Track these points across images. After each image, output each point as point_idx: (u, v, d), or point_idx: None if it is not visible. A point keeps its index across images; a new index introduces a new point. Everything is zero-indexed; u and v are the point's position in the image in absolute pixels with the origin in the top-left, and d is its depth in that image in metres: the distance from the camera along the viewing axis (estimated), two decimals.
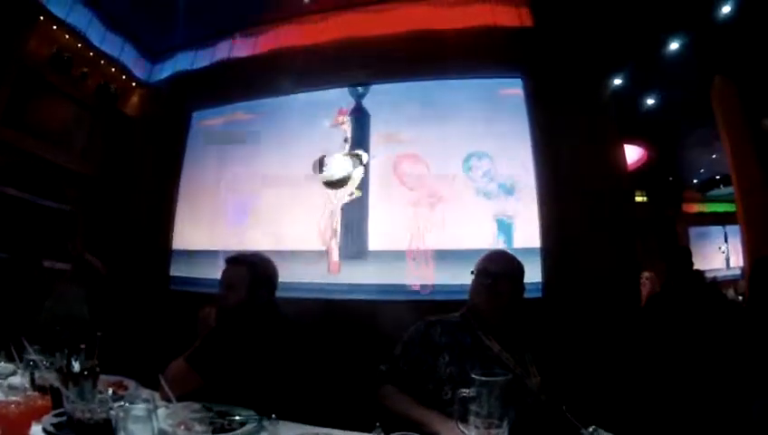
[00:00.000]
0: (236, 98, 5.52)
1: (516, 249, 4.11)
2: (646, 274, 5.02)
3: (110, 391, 1.74)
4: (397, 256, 4.58)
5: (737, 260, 10.75)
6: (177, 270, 5.32)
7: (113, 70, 5.87)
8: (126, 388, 1.96)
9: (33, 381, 1.72)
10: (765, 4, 4.93)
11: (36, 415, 1.47)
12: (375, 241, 4.72)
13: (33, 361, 1.75)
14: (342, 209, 4.84)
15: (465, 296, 2.20)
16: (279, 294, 2.42)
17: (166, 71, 6.20)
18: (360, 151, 4.90)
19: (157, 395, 1.81)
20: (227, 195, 5.36)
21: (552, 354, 2.07)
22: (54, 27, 5.20)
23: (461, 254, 4.26)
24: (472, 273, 2.16)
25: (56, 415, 1.47)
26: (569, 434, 1.54)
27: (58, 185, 5.50)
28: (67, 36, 5.33)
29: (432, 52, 4.84)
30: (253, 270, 2.32)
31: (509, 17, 4.88)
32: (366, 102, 5.03)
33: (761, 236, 6.13)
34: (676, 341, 3.28)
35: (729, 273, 11.18)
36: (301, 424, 1.67)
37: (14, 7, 4.78)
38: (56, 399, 1.54)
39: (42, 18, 5.06)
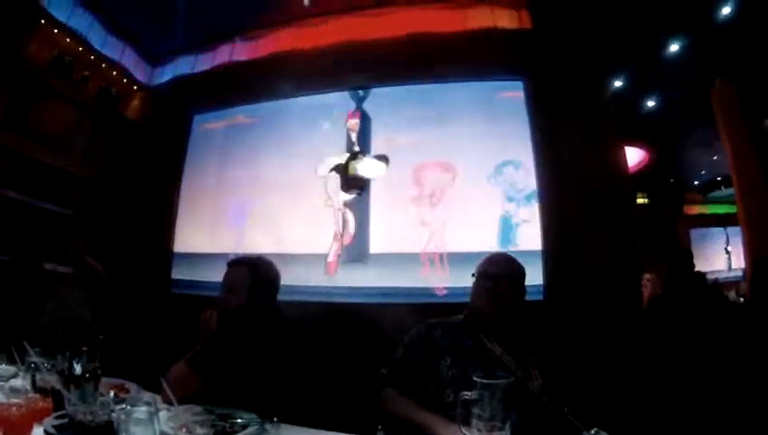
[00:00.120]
0: (237, 101, 5.53)
1: (519, 252, 4.12)
2: (647, 275, 5.01)
3: (112, 393, 1.74)
4: (400, 258, 4.58)
5: (738, 261, 10.74)
6: (178, 273, 5.32)
7: (114, 73, 5.88)
8: (127, 391, 1.95)
9: (34, 383, 1.71)
10: (765, 5, 4.94)
11: (38, 417, 1.46)
12: (376, 244, 4.73)
13: (35, 363, 1.75)
14: (346, 211, 4.84)
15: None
16: (281, 297, 2.43)
17: (166, 74, 6.21)
18: (385, 155, 4.89)
19: (158, 398, 1.81)
20: (228, 198, 5.37)
21: (554, 357, 2.06)
22: (55, 31, 5.21)
23: (468, 257, 4.25)
24: (473, 275, 2.16)
25: (57, 417, 1.47)
26: None
27: (59, 188, 5.51)
28: (68, 40, 5.34)
29: (432, 55, 4.84)
30: (254, 273, 2.32)
31: (509, 20, 4.88)
32: (366, 106, 5.03)
33: (762, 238, 6.13)
34: (677, 342, 3.27)
35: (731, 274, 11.17)
36: (303, 428, 1.67)
37: (15, 11, 4.78)
38: (57, 401, 1.54)
39: (42, 22, 5.07)
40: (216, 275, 2.48)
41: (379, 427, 1.47)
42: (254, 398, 1.81)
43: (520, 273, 2.16)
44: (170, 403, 1.60)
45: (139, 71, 6.16)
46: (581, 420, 1.53)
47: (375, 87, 5.05)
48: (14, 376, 1.92)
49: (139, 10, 5.48)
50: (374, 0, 5.30)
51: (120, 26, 5.81)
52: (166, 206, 5.49)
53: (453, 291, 4.31)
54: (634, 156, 8.15)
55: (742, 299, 6.95)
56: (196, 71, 5.95)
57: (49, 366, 1.72)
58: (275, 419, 1.54)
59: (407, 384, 1.98)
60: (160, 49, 6.22)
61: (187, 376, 1.95)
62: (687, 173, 11.15)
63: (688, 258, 3.86)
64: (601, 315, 3.83)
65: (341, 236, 4.80)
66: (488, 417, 1.33)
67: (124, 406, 1.27)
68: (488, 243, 4.36)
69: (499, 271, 2.10)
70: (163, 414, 1.47)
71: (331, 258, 4.76)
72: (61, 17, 5.20)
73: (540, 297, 4.07)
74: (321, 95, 5.21)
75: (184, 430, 1.44)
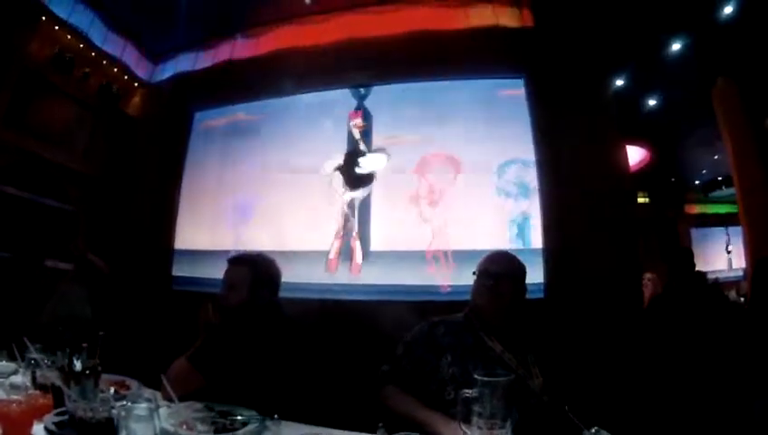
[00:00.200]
0: (238, 99, 5.54)
1: (520, 250, 4.12)
2: (648, 275, 5.00)
3: (112, 390, 1.75)
4: (401, 256, 4.58)
5: (739, 261, 10.73)
6: (179, 270, 5.33)
7: (115, 70, 5.88)
8: (128, 387, 1.96)
9: (34, 379, 1.71)
10: (767, 4, 4.93)
11: (38, 414, 1.46)
12: (377, 242, 4.73)
13: (35, 359, 1.75)
14: (348, 209, 4.84)
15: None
16: (282, 294, 2.43)
17: (167, 71, 6.21)
18: (385, 149, 4.89)
19: (159, 395, 1.81)
20: (229, 195, 5.37)
21: (555, 355, 2.06)
22: (56, 28, 5.21)
23: (470, 254, 4.24)
24: (474, 274, 2.16)
25: (58, 414, 1.47)
26: None
27: (60, 185, 5.51)
28: (69, 37, 5.34)
29: (433, 52, 4.84)
30: (255, 270, 2.32)
31: (510, 17, 4.88)
32: (368, 103, 5.03)
33: (762, 237, 6.13)
34: (678, 342, 3.27)
35: (731, 274, 11.17)
36: (303, 424, 1.67)
37: (16, 8, 4.78)
38: (58, 398, 1.54)
39: (43, 19, 5.07)
40: (217, 272, 2.48)
41: (380, 424, 1.47)
42: (255, 395, 1.81)
43: (521, 271, 2.16)
44: (171, 400, 1.60)
45: (140, 68, 6.16)
46: (582, 418, 1.53)
47: (376, 85, 5.04)
48: (15, 373, 1.92)
49: (140, 7, 5.48)
50: None
51: (120, 23, 5.80)
52: (166, 203, 5.49)
53: (455, 289, 4.30)
54: (635, 155, 8.14)
55: (742, 299, 6.95)
56: (197, 68, 5.95)
57: (49, 363, 1.72)
58: (276, 416, 1.54)
59: (407, 381, 1.98)
60: (161, 46, 6.22)
61: (188, 373, 1.95)
62: (688, 172, 11.13)
63: (689, 258, 3.86)
64: (602, 314, 3.82)
65: (343, 233, 4.79)
66: (489, 415, 1.33)
67: (124, 403, 1.27)
68: (489, 241, 4.32)
69: (500, 269, 2.10)
70: (163, 411, 1.47)
71: (332, 256, 4.76)
72: (61, 14, 5.20)
73: (540, 295, 4.07)
74: (323, 93, 5.19)
75: (184, 426, 1.44)
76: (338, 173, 4.94)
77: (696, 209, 12.41)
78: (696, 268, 3.87)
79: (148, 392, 1.92)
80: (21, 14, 4.86)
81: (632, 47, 5.42)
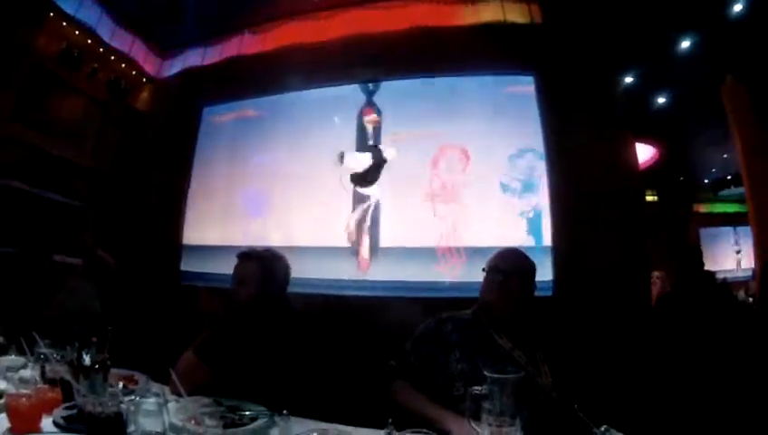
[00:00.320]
0: (247, 94, 5.55)
1: (529, 247, 4.10)
2: (656, 273, 4.98)
3: (121, 384, 1.75)
4: (410, 252, 4.58)
5: (748, 261, 10.67)
6: (187, 265, 5.35)
7: (123, 66, 5.90)
8: (136, 382, 1.96)
9: (43, 374, 1.72)
10: None
11: (47, 408, 1.47)
12: (387, 238, 4.73)
13: (44, 354, 1.76)
14: (362, 204, 4.85)
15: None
16: (292, 289, 2.43)
17: (176, 67, 6.23)
18: (397, 145, 4.89)
19: (167, 389, 1.82)
20: (238, 190, 5.39)
21: (563, 353, 2.05)
22: (64, 24, 5.22)
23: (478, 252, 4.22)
24: (483, 270, 2.15)
25: (67, 408, 1.47)
26: (580, 433, 1.53)
27: (69, 180, 5.53)
28: (77, 33, 5.35)
29: (442, 49, 4.83)
30: (264, 266, 2.33)
31: (519, 14, 4.86)
32: (376, 99, 5.02)
33: None
34: (686, 341, 3.26)
35: (740, 274, 11.10)
36: (312, 420, 1.67)
37: (23, 4, 4.79)
38: (66, 392, 1.55)
39: (51, 15, 5.09)
40: (226, 267, 2.49)
41: (390, 420, 1.47)
42: (264, 390, 1.81)
43: (530, 268, 2.15)
44: (179, 395, 1.60)
45: (148, 63, 6.18)
46: (591, 416, 1.52)
47: (385, 80, 5.04)
48: (24, 367, 1.92)
49: (148, 2, 5.50)
50: None
51: (128, 19, 5.81)
52: (175, 198, 5.52)
53: (466, 286, 4.28)
54: (644, 153, 8.10)
55: (751, 299, 6.91)
56: (205, 63, 5.96)
57: (58, 357, 1.72)
58: (285, 411, 1.54)
59: (415, 377, 1.98)
60: (169, 41, 6.23)
61: (195, 365, 1.95)
62: (698, 171, 11.07)
63: (698, 257, 3.84)
64: (610, 312, 3.82)
65: (354, 229, 4.78)
66: (498, 412, 1.33)
67: (133, 397, 1.28)
68: (497, 238, 4.31)
69: (509, 266, 2.10)
70: (172, 406, 1.47)
71: (356, 252, 4.76)
72: (69, 10, 5.22)
73: (549, 293, 4.06)
74: (331, 88, 5.20)
75: (192, 421, 1.44)
76: (350, 169, 4.93)
77: (705, 208, 12.33)
78: (705, 268, 3.85)
79: (156, 387, 1.92)
80: (28, 11, 4.87)
81: (642, 44, 5.38)
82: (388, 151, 4.87)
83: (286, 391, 1.79)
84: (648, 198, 10.73)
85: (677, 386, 3.08)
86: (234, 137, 5.53)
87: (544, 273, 4.02)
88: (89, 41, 5.46)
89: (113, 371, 1.73)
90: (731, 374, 2.93)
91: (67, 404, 1.50)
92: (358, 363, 2.94)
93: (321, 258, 4.72)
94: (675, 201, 11.62)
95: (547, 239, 4.33)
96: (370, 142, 4.94)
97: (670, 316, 3.63)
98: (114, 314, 3.27)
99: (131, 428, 1.20)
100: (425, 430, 1.50)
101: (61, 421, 1.41)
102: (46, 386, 1.60)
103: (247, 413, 1.68)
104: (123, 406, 1.29)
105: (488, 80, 4.79)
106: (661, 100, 7.05)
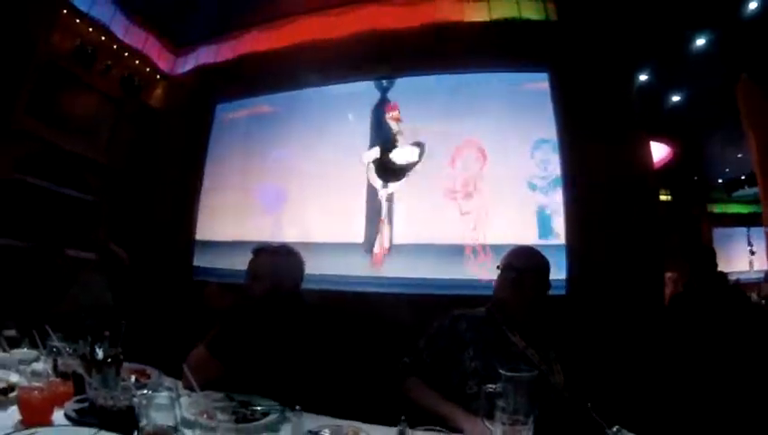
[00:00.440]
0: (260, 91, 5.55)
1: (543, 245, 4.08)
2: (669, 273, 4.94)
3: (133, 378, 1.76)
4: (424, 249, 4.57)
5: (761, 263, 10.58)
6: (200, 260, 5.38)
7: (137, 62, 5.91)
8: (149, 376, 1.97)
9: (55, 367, 1.73)
10: None
11: (59, 401, 1.47)
12: (401, 234, 4.72)
13: (57, 347, 1.77)
14: (388, 201, 4.83)
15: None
16: (308, 285, 2.43)
17: (189, 63, 6.24)
18: (422, 142, 4.85)
19: (179, 384, 1.82)
20: (251, 186, 5.40)
21: (576, 352, 2.04)
22: (77, 20, 5.23)
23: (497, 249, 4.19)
24: (498, 268, 2.15)
25: (79, 401, 1.48)
26: (593, 433, 1.52)
27: (82, 176, 5.55)
28: (90, 29, 5.37)
29: (456, 45, 4.81)
30: (278, 261, 2.34)
31: (534, 11, 4.83)
32: (391, 96, 5.01)
33: None
34: (698, 342, 3.25)
35: (753, 275, 11.01)
36: (324, 416, 1.67)
37: (38, 1, 4.81)
38: (78, 385, 1.55)
39: (65, 11, 5.11)
40: (239, 262, 2.50)
41: (403, 417, 1.46)
42: (276, 385, 1.81)
43: (544, 266, 2.15)
44: (191, 389, 1.60)
45: (161, 60, 6.19)
46: (603, 416, 1.51)
47: (399, 77, 5.02)
48: (36, 360, 1.93)
49: None
50: None
51: (142, 16, 5.83)
52: (188, 193, 5.54)
53: (471, 284, 4.28)
54: (658, 151, 8.04)
55: (764, 301, 6.87)
56: (218, 60, 5.97)
57: (70, 351, 1.73)
58: (298, 407, 1.54)
59: (428, 374, 1.98)
60: (183, 38, 6.25)
61: (207, 360, 1.95)
62: (712, 171, 10.98)
63: (711, 257, 3.82)
64: (623, 312, 3.79)
65: (373, 225, 4.78)
66: (512, 410, 1.32)
67: (145, 391, 1.28)
68: (513, 235, 4.27)
69: (524, 264, 2.09)
70: (184, 400, 1.47)
71: (374, 248, 4.76)
72: (82, 7, 5.24)
73: (562, 292, 4.04)
74: (346, 85, 5.19)
75: (204, 416, 1.43)
76: (372, 165, 4.93)
77: (719, 208, 12.23)
78: (718, 268, 3.82)
79: (168, 381, 1.93)
80: (42, 8, 4.89)
81: (656, 42, 5.35)
82: (410, 148, 4.85)
83: (299, 386, 1.78)
84: (662, 198, 10.67)
85: (690, 387, 3.07)
86: (247, 133, 5.54)
87: (558, 271, 4.00)
88: (102, 38, 5.48)
89: (126, 365, 1.73)
90: (743, 375, 2.92)
91: (79, 397, 1.50)
92: (371, 360, 2.93)
93: (336, 254, 4.71)
94: (688, 201, 11.53)
95: (561, 238, 4.29)
96: (398, 138, 4.90)
97: (683, 317, 3.61)
98: (127, 308, 3.28)
99: (143, 422, 1.19)
100: (438, 428, 1.50)
101: (73, 414, 1.41)
102: (58, 379, 1.60)
103: (259, 408, 1.68)
104: (135, 400, 1.30)
105: (502, 76, 4.75)
106: (675, 98, 7.02)
